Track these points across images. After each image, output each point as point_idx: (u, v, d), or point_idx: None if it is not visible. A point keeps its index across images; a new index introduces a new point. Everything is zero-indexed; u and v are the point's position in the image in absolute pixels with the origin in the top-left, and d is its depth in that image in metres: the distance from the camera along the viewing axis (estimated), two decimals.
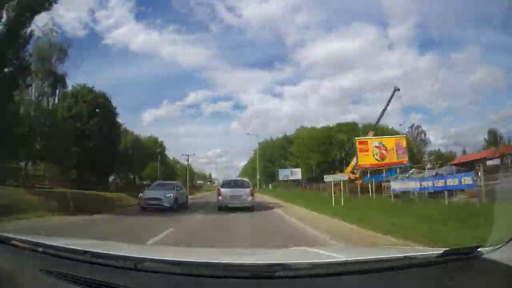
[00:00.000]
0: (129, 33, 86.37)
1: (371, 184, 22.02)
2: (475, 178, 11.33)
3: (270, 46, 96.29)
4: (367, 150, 31.01)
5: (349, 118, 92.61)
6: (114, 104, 29.68)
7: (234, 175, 74.12)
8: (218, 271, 1.32)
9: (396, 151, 31.03)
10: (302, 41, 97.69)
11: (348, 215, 9.72)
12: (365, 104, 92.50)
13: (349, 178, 23.69)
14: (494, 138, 48.56)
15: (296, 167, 55.82)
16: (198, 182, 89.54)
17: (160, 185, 16.69)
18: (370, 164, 30.71)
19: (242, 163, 79.80)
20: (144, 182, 49.58)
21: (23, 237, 1.75)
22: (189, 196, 22.12)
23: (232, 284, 1.25)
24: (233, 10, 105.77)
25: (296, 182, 53.20)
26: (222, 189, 14.05)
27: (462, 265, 1.34)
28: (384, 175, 27.77)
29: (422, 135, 61.51)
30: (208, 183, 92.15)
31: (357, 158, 31.63)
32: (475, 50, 65.79)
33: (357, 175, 30.86)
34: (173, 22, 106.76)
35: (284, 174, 54.90)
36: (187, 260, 1.50)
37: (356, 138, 33.77)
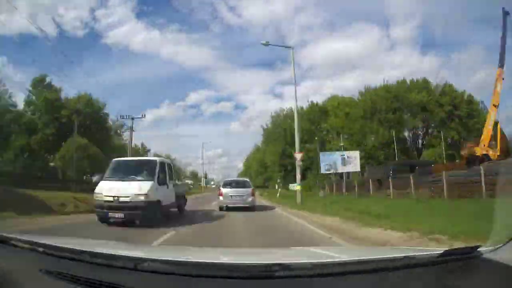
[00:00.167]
0: (129, 32, 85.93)
1: None
2: None
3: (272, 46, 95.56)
4: None
5: None
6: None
7: (233, 176, 68.41)
8: (218, 271, 1.32)
9: None
10: (304, 41, 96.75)
11: None
12: None
13: (477, 154, 17.57)
14: None
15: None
16: (187, 181, 79.17)
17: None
18: None
19: (241, 164, 76.47)
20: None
21: (23, 237, 1.75)
22: None
23: (232, 284, 1.25)
24: (235, 10, 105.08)
25: (343, 176, 29.53)
26: (223, 189, 13.86)
27: (462, 265, 1.34)
28: None
29: None
30: (201, 184, 79.43)
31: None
32: (477, 51, 65.56)
33: (494, 150, 20.18)
34: (175, 21, 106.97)
35: (330, 160, 29.22)
36: (187, 260, 1.50)
37: None
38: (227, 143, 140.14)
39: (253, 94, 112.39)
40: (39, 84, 35.26)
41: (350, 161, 29.24)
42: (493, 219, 2.30)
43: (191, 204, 15.00)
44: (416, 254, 1.48)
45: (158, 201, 8.33)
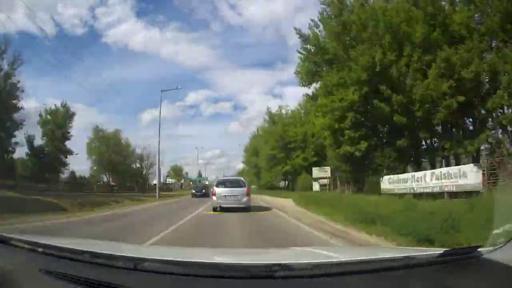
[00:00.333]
0: (129, 31, 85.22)
1: None
2: None
3: (272, 46, 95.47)
4: None
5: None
6: None
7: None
8: (218, 271, 1.33)
9: None
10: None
11: None
12: None
13: None
14: None
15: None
16: (169, 181, 72.76)
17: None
18: None
19: (241, 165, 74.39)
20: None
21: (23, 237, 1.75)
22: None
23: (232, 284, 1.25)
24: (235, 9, 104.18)
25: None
26: (216, 189, 13.18)
27: (462, 265, 1.34)
28: None
29: None
30: (185, 183, 74.70)
31: None
32: None
33: None
34: (175, 19, 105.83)
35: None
36: (187, 260, 1.50)
37: None
38: (226, 144, 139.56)
39: (252, 94, 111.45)
40: None
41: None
42: (493, 219, 2.30)
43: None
44: (416, 254, 1.48)
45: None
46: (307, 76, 21.97)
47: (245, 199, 12.81)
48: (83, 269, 1.39)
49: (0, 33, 24.51)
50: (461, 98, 13.88)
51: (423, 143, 18.12)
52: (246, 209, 12.56)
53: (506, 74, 12.90)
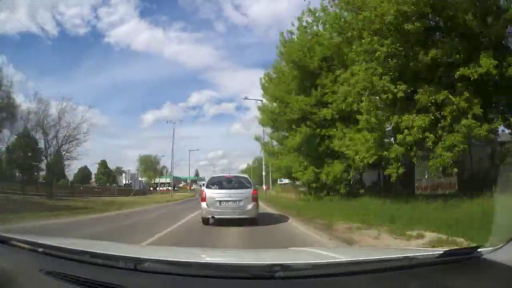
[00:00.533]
0: (132, 30, 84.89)
1: None
2: None
3: (275, 45, 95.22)
4: None
5: None
6: None
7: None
8: (218, 271, 1.33)
9: None
10: None
11: None
12: None
13: None
14: None
15: None
16: (140, 180, 58.45)
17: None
18: None
19: (243, 165, 71.84)
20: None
21: (23, 237, 1.75)
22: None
23: (232, 284, 1.25)
24: (240, 9, 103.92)
25: None
26: (207, 191, 8.85)
27: (462, 266, 1.34)
28: None
29: None
30: (163, 183, 65.13)
31: None
32: None
33: None
34: (179, 19, 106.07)
35: None
36: (187, 260, 1.50)
37: None
38: (228, 145, 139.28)
39: (255, 94, 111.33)
40: None
41: None
42: (493, 220, 2.30)
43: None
44: (416, 254, 1.48)
45: None
46: None
47: (250, 206, 8.63)
48: (83, 270, 1.39)
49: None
50: None
51: None
52: (251, 221, 8.65)
53: None
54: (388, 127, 11.22)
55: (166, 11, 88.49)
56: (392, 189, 13.41)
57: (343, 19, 11.83)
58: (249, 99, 31.19)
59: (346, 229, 7.63)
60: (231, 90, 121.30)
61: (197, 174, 79.25)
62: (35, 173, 26.67)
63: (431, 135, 9.00)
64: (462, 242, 4.95)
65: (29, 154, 24.11)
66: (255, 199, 8.84)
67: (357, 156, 11.18)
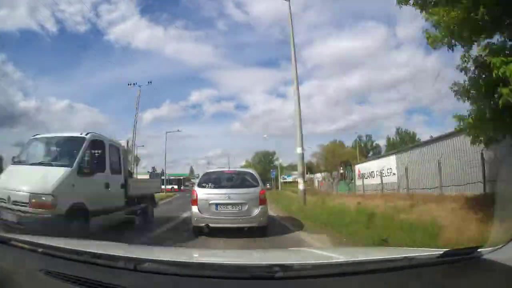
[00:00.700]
0: (132, 28, 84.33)
1: None
2: None
3: (277, 45, 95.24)
4: None
5: (352, 119, 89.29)
6: None
7: None
8: (218, 272, 1.33)
9: None
10: (309, 40, 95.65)
11: None
12: (369, 105, 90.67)
13: None
14: None
15: None
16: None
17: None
18: None
19: (242, 163, 69.74)
20: None
21: (23, 237, 1.76)
22: None
23: (232, 284, 1.25)
24: (241, 7, 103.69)
25: None
26: (200, 191, 6.75)
27: (462, 266, 1.34)
28: None
29: None
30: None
31: None
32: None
33: None
34: (180, 17, 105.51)
35: None
36: (187, 261, 1.50)
37: None
38: (227, 143, 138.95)
39: (255, 93, 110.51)
40: None
41: None
42: (493, 220, 2.30)
43: None
44: (416, 254, 1.48)
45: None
46: None
47: (257, 210, 6.52)
48: (83, 270, 1.39)
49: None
50: None
51: None
52: (259, 231, 6.55)
53: None
54: None
55: (167, 8, 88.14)
56: None
57: None
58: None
59: None
60: (231, 89, 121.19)
61: (191, 172, 70.20)
62: None
63: None
64: None
65: None
66: (263, 201, 6.62)
67: None
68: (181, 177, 56.02)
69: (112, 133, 48.22)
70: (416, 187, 14.90)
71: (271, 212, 10.58)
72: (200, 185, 6.96)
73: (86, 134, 6.25)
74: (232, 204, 6.49)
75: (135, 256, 1.48)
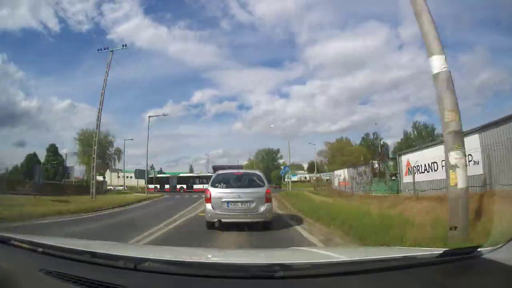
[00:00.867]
0: (136, 28, 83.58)
1: None
2: None
3: (280, 44, 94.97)
4: None
5: (354, 119, 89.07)
6: None
7: None
8: (218, 271, 1.33)
9: None
10: (312, 40, 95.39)
11: None
12: (372, 106, 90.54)
13: None
14: None
15: None
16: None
17: None
18: None
19: (244, 162, 68.03)
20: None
21: (23, 237, 1.75)
22: None
23: (232, 284, 1.25)
24: (246, 7, 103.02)
25: None
26: (213, 190, 7.77)
27: (462, 265, 1.34)
28: None
29: None
30: (120, 186, 45.81)
31: None
32: (482, 52, 64.37)
33: None
34: (183, 17, 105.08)
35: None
36: (187, 260, 1.50)
37: None
38: (228, 144, 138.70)
39: (258, 93, 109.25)
40: None
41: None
42: (493, 219, 2.30)
43: None
44: (416, 254, 1.48)
45: None
46: None
47: (263, 207, 7.48)
48: (83, 269, 1.39)
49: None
50: None
51: None
52: (265, 225, 7.59)
53: None
54: None
55: (171, 8, 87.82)
56: None
57: None
58: None
59: None
60: (234, 89, 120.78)
61: (191, 170, 67.47)
62: None
63: None
64: None
65: None
66: (269, 199, 7.66)
67: None
68: (194, 174, 49.17)
69: (113, 133, 46.96)
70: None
71: None
72: (213, 184, 7.96)
73: None
74: (242, 202, 7.48)
75: (135, 256, 1.48)
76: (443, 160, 7.63)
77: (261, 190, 7.66)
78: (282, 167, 40.11)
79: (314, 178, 47.26)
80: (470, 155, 11.01)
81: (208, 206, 7.62)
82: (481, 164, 10.99)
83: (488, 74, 71.01)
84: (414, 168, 15.90)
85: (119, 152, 45.68)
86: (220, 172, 8.72)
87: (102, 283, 1.27)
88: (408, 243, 4.66)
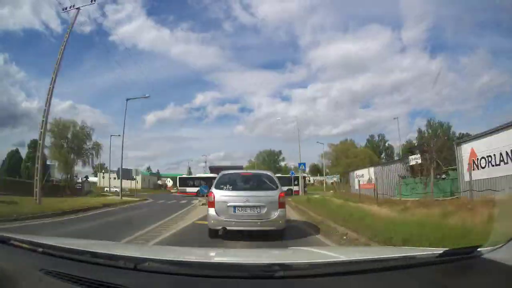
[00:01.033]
0: (138, 29, 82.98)
1: None
2: None
3: (282, 46, 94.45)
4: None
5: (356, 122, 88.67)
6: None
7: None
8: (218, 271, 1.33)
9: None
10: (315, 42, 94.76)
11: None
12: (373, 109, 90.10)
13: None
14: None
15: None
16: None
17: None
18: None
19: (245, 163, 68.59)
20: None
21: (23, 237, 1.76)
22: None
23: (232, 284, 1.25)
24: (249, 8, 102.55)
25: None
26: (217, 193, 6.65)
27: (462, 265, 1.34)
28: None
29: None
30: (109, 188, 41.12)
31: None
32: (483, 54, 64.37)
33: None
34: (185, 19, 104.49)
35: None
36: (187, 260, 1.51)
37: None
38: (230, 146, 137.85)
39: (260, 96, 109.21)
40: None
41: None
42: (493, 219, 2.30)
43: None
44: (416, 254, 1.48)
45: None
46: None
47: (276, 213, 6.39)
48: (83, 269, 1.39)
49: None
50: None
51: None
52: (276, 234, 6.47)
53: None
54: None
55: (174, 10, 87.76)
56: None
57: None
58: None
59: None
60: (236, 92, 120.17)
61: (189, 173, 63.92)
62: None
63: None
64: None
65: None
66: (282, 204, 6.53)
67: None
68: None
69: (92, 125, 43.48)
70: None
71: None
72: (217, 186, 6.80)
73: None
74: (251, 207, 6.39)
75: (135, 256, 1.48)
76: None
77: (274, 194, 6.58)
78: (290, 171, 37.75)
79: (334, 180, 44.38)
80: None
81: (211, 211, 6.51)
82: None
83: (489, 76, 71.08)
84: (484, 159, 11.73)
85: (97, 147, 39.39)
86: (226, 172, 7.44)
87: (102, 283, 1.27)
88: None
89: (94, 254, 1.49)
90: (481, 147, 12.10)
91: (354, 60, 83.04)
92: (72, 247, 1.60)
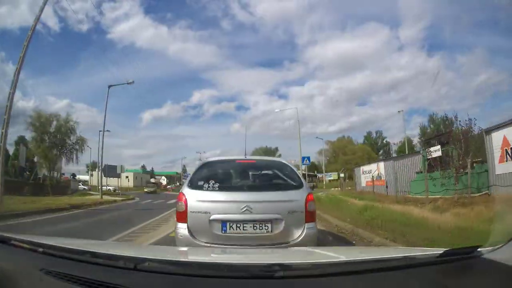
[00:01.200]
0: (136, 27, 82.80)
1: None
2: None
3: (279, 45, 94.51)
4: None
5: (352, 120, 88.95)
6: None
7: None
8: (218, 271, 1.33)
9: None
10: (312, 41, 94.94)
11: None
12: (370, 107, 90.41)
13: None
14: None
15: None
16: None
17: None
18: None
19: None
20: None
21: (23, 237, 1.75)
22: None
23: (232, 284, 1.25)
24: (247, 7, 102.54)
25: None
26: (191, 195, 3.47)
27: (462, 265, 1.34)
28: None
29: None
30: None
31: None
32: (481, 53, 64.33)
33: None
34: (183, 17, 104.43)
35: None
36: (187, 260, 1.50)
37: None
38: (226, 144, 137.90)
39: (256, 94, 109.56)
40: None
41: None
42: (493, 219, 2.31)
43: None
44: (416, 254, 1.48)
45: None
46: None
47: (300, 233, 3.34)
48: (83, 269, 1.39)
49: None
50: None
51: None
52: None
53: None
54: None
55: (172, 8, 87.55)
56: None
57: None
58: None
59: None
60: (233, 90, 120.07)
61: (184, 171, 60.48)
62: None
63: None
64: None
65: None
66: (312, 215, 3.51)
67: None
68: None
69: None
70: None
71: None
72: (193, 185, 3.65)
73: None
74: (255, 222, 3.33)
75: (135, 256, 1.48)
76: None
77: (297, 196, 3.52)
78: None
79: (341, 177, 42.20)
80: None
81: (181, 229, 3.43)
82: None
83: (486, 75, 71.14)
84: None
85: (82, 142, 36.34)
86: (211, 160, 4.49)
87: (102, 283, 1.27)
88: None
89: (94, 254, 1.49)
90: None
91: (352, 58, 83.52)
92: (72, 247, 1.60)
